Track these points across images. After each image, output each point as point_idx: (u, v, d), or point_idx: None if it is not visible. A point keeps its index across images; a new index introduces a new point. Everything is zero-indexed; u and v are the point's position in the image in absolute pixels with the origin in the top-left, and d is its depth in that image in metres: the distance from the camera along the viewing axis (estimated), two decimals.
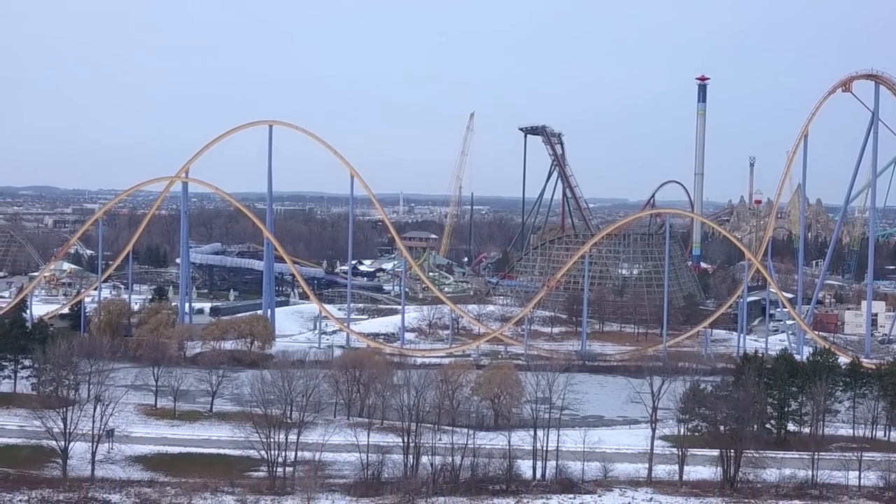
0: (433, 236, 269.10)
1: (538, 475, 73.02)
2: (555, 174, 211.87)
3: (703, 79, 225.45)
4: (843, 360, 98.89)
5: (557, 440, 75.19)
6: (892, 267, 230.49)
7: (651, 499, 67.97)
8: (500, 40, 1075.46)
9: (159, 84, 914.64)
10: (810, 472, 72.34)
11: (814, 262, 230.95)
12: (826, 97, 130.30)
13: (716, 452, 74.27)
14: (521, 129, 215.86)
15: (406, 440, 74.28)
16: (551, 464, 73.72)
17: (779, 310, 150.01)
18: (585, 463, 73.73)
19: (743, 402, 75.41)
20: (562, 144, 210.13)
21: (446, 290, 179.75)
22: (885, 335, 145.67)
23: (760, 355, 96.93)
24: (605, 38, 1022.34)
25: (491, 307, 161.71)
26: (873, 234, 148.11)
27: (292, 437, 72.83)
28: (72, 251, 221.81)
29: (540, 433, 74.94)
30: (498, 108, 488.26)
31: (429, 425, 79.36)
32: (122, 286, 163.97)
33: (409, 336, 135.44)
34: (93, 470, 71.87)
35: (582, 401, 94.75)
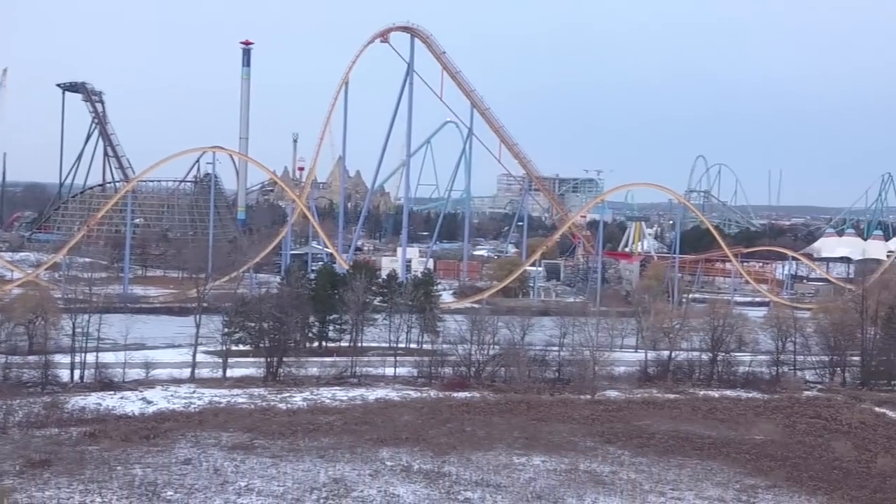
0: None
1: (76, 379, 70.65)
2: (95, 134, 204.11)
3: (247, 43, 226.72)
4: None
5: (97, 355, 73.51)
6: (424, 233, 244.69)
7: (194, 391, 67.98)
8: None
9: None
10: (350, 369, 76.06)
11: (353, 228, 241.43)
12: (365, 47, 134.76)
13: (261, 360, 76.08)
14: (58, 86, 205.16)
15: None
16: (90, 372, 71.76)
17: (321, 263, 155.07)
18: (127, 370, 72.51)
19: (285, 302, 77.35)
20: (102, 103, 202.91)
21: None
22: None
23: (301, 271, 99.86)
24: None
25: (27, 253, 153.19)
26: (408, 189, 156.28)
27: None
28: None
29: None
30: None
31: None
32: None
33: None
34: None
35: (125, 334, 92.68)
